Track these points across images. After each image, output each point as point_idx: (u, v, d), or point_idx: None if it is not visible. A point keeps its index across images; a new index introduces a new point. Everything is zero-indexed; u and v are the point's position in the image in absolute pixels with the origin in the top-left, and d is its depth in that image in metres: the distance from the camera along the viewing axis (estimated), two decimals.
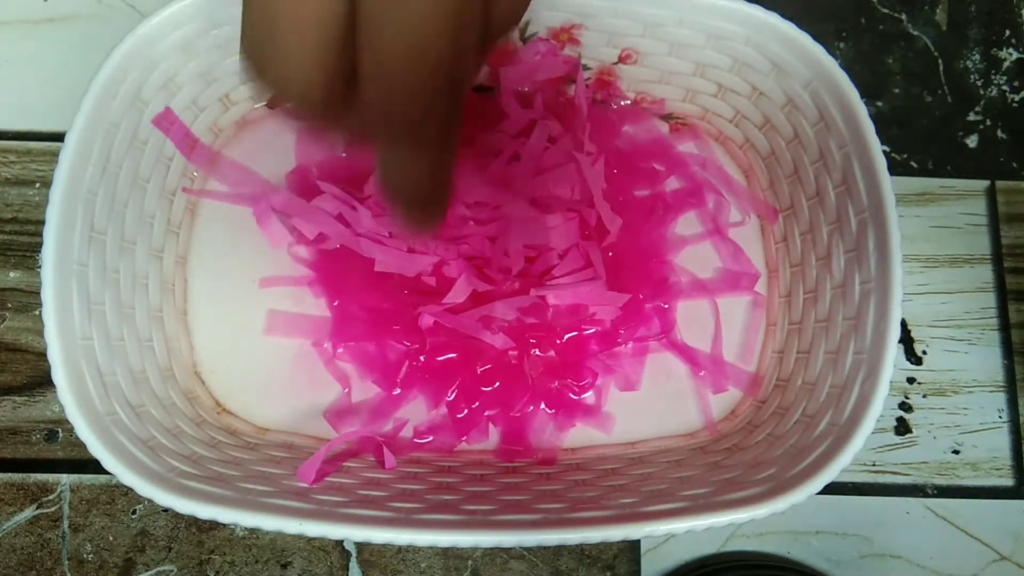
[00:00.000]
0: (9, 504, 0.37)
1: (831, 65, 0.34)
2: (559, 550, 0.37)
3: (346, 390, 0.37)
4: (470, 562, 0.37)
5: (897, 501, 0.39)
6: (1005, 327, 0.41)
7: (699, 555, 0.38)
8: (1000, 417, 0.40)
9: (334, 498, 0.30)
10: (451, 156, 0.19)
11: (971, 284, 0.42)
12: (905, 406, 0.40)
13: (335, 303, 0.37)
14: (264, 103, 0.40)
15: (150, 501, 0.29)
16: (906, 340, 0.41)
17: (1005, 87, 0.44)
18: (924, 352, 0.41)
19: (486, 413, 0.36)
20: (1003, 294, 0.41)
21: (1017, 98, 0.44)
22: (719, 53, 0.37)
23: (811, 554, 0.38)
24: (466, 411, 0.36)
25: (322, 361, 0.37)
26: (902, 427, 0.40)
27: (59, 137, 0.31)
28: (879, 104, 0.44)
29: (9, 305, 0.39)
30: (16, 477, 0.37)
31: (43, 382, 0.38)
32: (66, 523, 0.37)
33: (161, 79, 0.34)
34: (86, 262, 0.32)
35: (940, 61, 0.45)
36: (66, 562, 0.36)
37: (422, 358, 0.36)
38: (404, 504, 0.30)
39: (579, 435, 0.37)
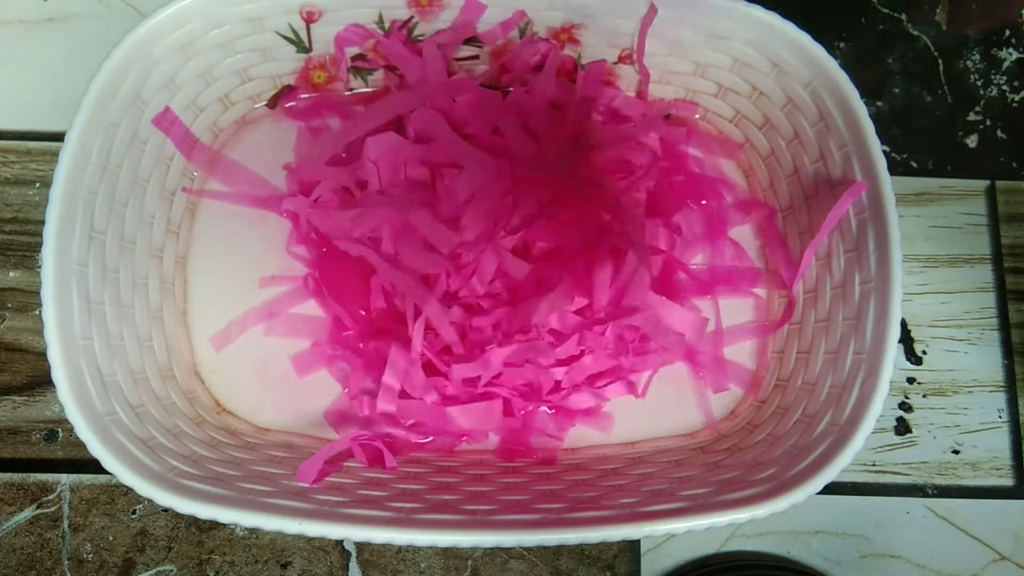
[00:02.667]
0: (9, 504, 0.37)
1: (831, 65, 0.34)
2: (559, 550, 0.37)
3: (346, 390, 0.37)
4: (470, 562, 0.37)
5: (897, 501, 0.39)
6: (1005, 327, 0.41)
7: (699, 555, 0.38)
8: (1000, 417, 0.40)
9: (334, 498, 0.30)
10: None
11: (971, 284, 0.42)
12: (905, 406, 0.40)
13: (334, 303, 0.37)
14: (264, 103, 0.40)
15: (150, 501, 0.29)
16: (906, 340, 0.41)
17: (1005, 87, 0.44)
18: (924, 352, 0.41)
19: None
20: (1003, 294, 0.41)
21: (1017, 98, 0.44)
22: (719, 53, 0.37)
23: (811, 554, 0.38)
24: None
25: (322, 361, 0.37)
26: (902, 427, 0.40)
27: (59, 137, 0.31)
28: (879, 104, 0.44)
29: (9, 305, 0.39)
30: (16, 477, 0.37)
31: (43, 382, 0.38)
32: (66, 523, 0.37)
33: (161, 79, 0.34)
34: (86, 262, 0.32)
35: (940, 61, 0.45)
36: (66, 562, 0.36)
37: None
38: (404, 504, 0.30)
39: (579, 435, 0.37)
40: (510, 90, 0.38)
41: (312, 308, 0.38)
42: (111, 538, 0.37)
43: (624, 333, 0.36)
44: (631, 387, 0.37)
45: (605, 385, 0.36)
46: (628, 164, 0.38)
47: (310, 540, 0.37)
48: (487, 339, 0.34)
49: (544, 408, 0.37)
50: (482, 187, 0.35)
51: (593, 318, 0.35)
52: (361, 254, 0.35)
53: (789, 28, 0.34)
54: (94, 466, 0.29)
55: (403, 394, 0.35)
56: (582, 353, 0.35)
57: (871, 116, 0.33)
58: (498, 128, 0.37)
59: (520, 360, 0.35)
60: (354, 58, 0.38)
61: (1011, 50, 0.45)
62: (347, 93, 0.40)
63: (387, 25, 0.37)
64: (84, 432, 0.29)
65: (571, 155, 0.36)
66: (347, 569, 0.37)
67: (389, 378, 0.35)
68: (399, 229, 0.35)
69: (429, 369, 0.35)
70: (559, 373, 0.35)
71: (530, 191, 0.35)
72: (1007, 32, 0.45)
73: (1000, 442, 0.40)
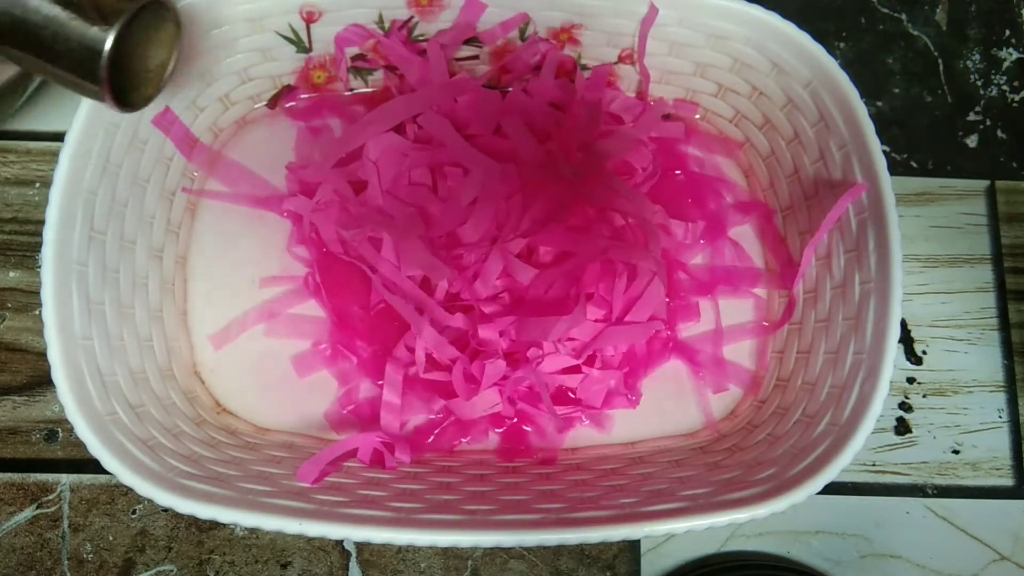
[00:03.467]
0: (9, 504, 0.37)
1: (831, 65, 0.34)
2: (559, 550, 0.37)
3: (346, 390, 0.37)
4: (470, 562, 0.37)
5: (897, 501, 0.39)
6: (1005, 327, 0.41)
7: (699, 555, 0.38)
8: (1000, 417, 0.40)
9: (334, 498, 0.30)
10: None
11: (971, 284, 0.42)
12: (905, 406, 0.40)
13: (334, 303, 0.37)
14: (264, 103, 0.40)
15: (150, 501, 0.29)
16: (906, 340, 0.41)
17: (1005, 87, 0.44)
18: (924, 352, 0.41)
19: None
20: (1003, 294, 0.41)
21: (1017, 98, 0.44)
22: (719, 53, 0.37)
23: (811, 554, 0.38)
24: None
25: (322, 361, 0.37)
26: (902, 427, 0.40)
27: (59, 137, 0.31)
28: (879, 104, 0.44)
29: (9, 305, 0.39)
30: (16, 477, 0.37)
31: (43, 382, 0.38)
32: (66, 523, 0.37)
33: None
34: (86, 262, 0.32)
35: (940, 61, 0.45)
36: (66, 562, 0.36)
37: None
38: (404, 504, 0.30)
39: (579, 435, 0.37)
40: (509, 90, 0.38)
41: (312, 308, 0.38)
42: (111, 538, 0.37)
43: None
44: (632, 401, 0.37)
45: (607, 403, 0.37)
46: (628, 166, 0.38)
47: (310, 540, 0.37)
48: (493, 351, 0.34)
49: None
50: (487, 189, 0.35)
51: (610, 324, 0.35)
52: (359, 266, 0.36)
53: (789, 28, 0.34)
54: (94, 466, 0.29)
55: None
56: (594, 359, 0.35)
57: (871, 116, 0.33)
58: (500, 128, 0.37)
59: (529, 377, 0.35)
60: (354, 58, 0.38)
61: (1011, 50, 0.45)
62: (347, 93, 0.40)
63: (387, 25, 0.37)
64: (84, 432, 0.29)
65: (579, 158, 0.36)
66: (347, 569, 0.37)
67: (389, 395, 0.35)
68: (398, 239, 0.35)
69: (431, 362, 0.36)
70: (570, 380, 0.36)
71: (539, 195, 0.35)
72: (1007, 32, 0.45)
73: (1000, 442, 0.40)
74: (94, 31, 0.25)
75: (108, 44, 0.26)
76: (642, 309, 0.34)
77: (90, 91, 0.27)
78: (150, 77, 0.29)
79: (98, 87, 0.26)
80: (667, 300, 0.37)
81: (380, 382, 0.36)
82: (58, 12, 0.25)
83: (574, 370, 0.35)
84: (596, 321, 0.34)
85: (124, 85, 0.27)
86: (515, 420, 0.36)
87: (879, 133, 0.33)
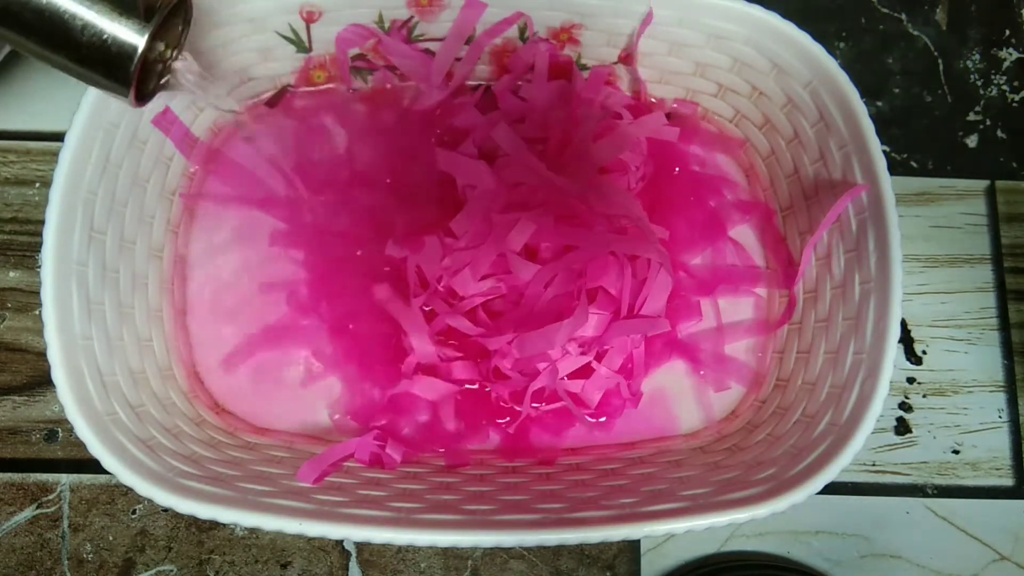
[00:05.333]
0: (9, 504, 0.37)
1: (831, 65, 0.34)
2: (559, 550, 0.37)
3: (346, 391, 0.37)
4: (470, 562, 0.37)
5: (897, 501, 0.39)
6: (1005, 327, 0.41)
7: (699, 555, 0.38)
8: (1000, 417, 0.40)
9: (334, 498, 0.30)
10: None
11: (971, 284, 0.42)
12: (905, 406, 0.40)
13: (331, 304, 0.37)
14: (264, 103, 0.40)
15: (150, 501, 0.29)
16: (906, 340, 0.41)
17: (1005, 87, 0.44)
18: (924, 352, 0.41)
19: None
20: (1003, 294, 0.41)
21: (1017, 98, 0.44)
22: (719, 53, 0.37)
23: (811, 554, 0.38)
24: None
25: (320, 362, 0.37)
26: (902, 427, 0.40)
27: (59, 137, 0.31)
28: (879, 104, 0.44)
29: (9, 305, 0.39)
30: (16, 477, 0.37)
31: (43, 382, 0.38)
32: (66, 523, 0.37)
33: None
34: (86, 262, 0.32)
35: (940, 61, 0.45)
36: (66, 562, 0.36)
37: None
38: (404, 504, 0.30)
39: (579, 435, 0.37)
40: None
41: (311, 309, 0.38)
42: (111, 538, 0.37)
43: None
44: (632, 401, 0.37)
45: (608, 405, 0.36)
46: (623, 164, 0.38)
47: (310, 540, 0.37)
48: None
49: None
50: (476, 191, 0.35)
51: (617, 319, 0.35)
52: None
53: (789, 28, 0.34)
54: (94, 466, 0.29)
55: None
56: (605, 353, 0.35)
57: (871, 116, 0.33)
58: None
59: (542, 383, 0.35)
60: (354, 58, 0.38)
61: (1011, 50, 0.45)
62: (347, 92, 0.40)
63: (387, 25, 0.37)
64: (84, 432, 0.29)
65: (567, 159, 0.36)
66: (347, 569, 0.37)
67: (386, 394, 0.35)
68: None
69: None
70: (574, 385, 0.36)
71: (536, 194, 0.35)
72: (1007, 32, 0.45)
73: (1000, 442, 0.40)
74: (127, 27, 0.24)
75: (143, 43, 0.24)
76: (653, 300, 0.34)
77: (111, 87, 0.26)
78: (156, 71, 0.28)
79: (127, 87, 0.25)
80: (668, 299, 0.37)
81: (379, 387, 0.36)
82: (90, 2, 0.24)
83: (580, 372, 0.35)
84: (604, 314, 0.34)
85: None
86: (516, 420, 0.36)
87: (879, 133, 0.33)
